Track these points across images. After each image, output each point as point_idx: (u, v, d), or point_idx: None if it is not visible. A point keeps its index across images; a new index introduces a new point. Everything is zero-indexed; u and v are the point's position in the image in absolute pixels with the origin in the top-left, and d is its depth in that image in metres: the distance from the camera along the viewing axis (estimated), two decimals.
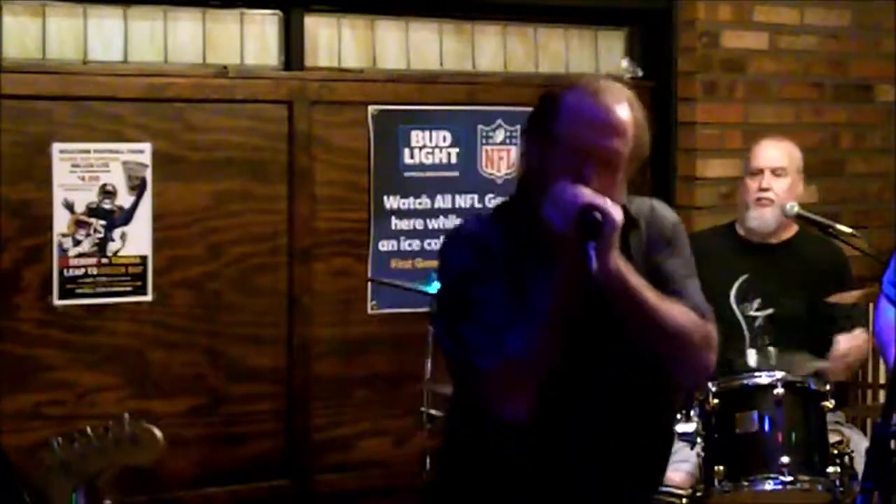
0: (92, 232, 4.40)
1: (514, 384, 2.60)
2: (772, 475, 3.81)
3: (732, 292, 4.43)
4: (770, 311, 4.40)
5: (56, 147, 4.33)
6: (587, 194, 2.56)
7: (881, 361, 5.09)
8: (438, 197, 4.94)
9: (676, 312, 2.68)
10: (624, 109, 2.66)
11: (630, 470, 2.80)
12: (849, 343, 4.41)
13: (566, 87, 2.71)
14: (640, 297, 2.62)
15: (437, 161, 4.93)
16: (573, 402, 2.70)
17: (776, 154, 4.47)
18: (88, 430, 2.63)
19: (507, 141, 5.03)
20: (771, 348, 4.11)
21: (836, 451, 3.89)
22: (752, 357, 4.09)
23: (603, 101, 2.65)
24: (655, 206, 2.86)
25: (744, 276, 4.44)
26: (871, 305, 4.74)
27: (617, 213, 2.56)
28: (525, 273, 2.64)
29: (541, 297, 2.59)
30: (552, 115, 2.67)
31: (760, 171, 4.45)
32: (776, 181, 4.43)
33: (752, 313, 4.41)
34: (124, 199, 4.45)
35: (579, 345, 2.64)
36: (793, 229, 4.56)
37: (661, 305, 2.65)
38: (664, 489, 4.12)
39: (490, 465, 2.75)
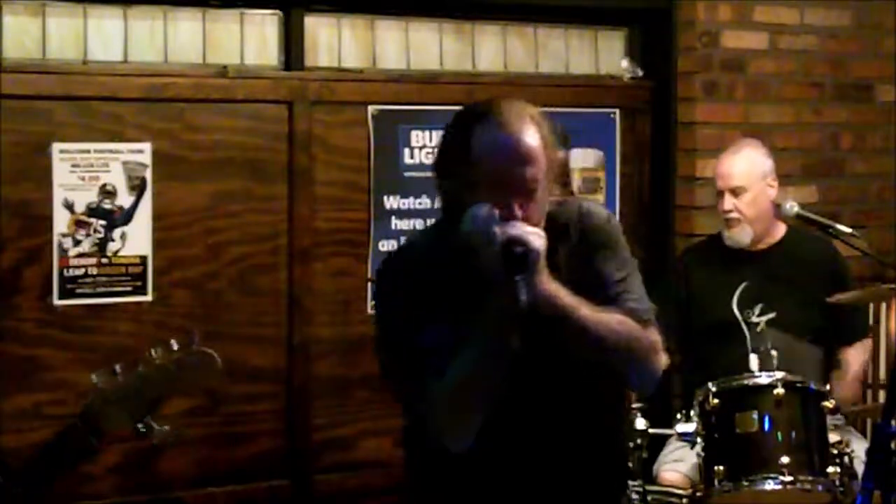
0: (92, 232, 4.40)
1: (456, 412, 2.60)
2: (772, 475, 3.82)
3: (734, 300, 4.43)
4: (771, 315, 4.41)
5: (56, 147, 4.33)
6: (505, 227, 2.56)
7: (881, 361, 5.10)
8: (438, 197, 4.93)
9: (615, 324, 2.67)
10: (532, 135, 2.65)
11: (586, 479, 2.80)
12: (859, 360, 4.45)
13: (469, 118, 2.69)
14: (574, 316, 2.62)
15: None
16: (520, 427, 2.70)
17: (731, 173, 4.46)
18: (142, 357, 2.60)
19: None
20: (773, 352, 4.11)
21: (836, 451, 3.89)
22: (754, 362, 4.10)
23: (511, 130, 2.63)
24: (584, 208, 2.84)
25: (744, 284, 4.44)
26: (871, 305, 4.76)
27: (538, 242, 2.56)
28: (462, 301, 2.63)
29: (477, 327, 2.59)
30: (461, 150, 2.66)
31: (722, 192, 4.47)
32: (737, 199, 4.44)
33: (754, 319, 4.41)
34: (124, 199, 4.45)
35: (523, 370, 2.64)
36: (781, 230, 4.56)
37: (599, 319, 2.65)
38: (664, 489, 4.14)
39: (443, 486, 2.76)
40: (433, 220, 4.77)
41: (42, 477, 2.62)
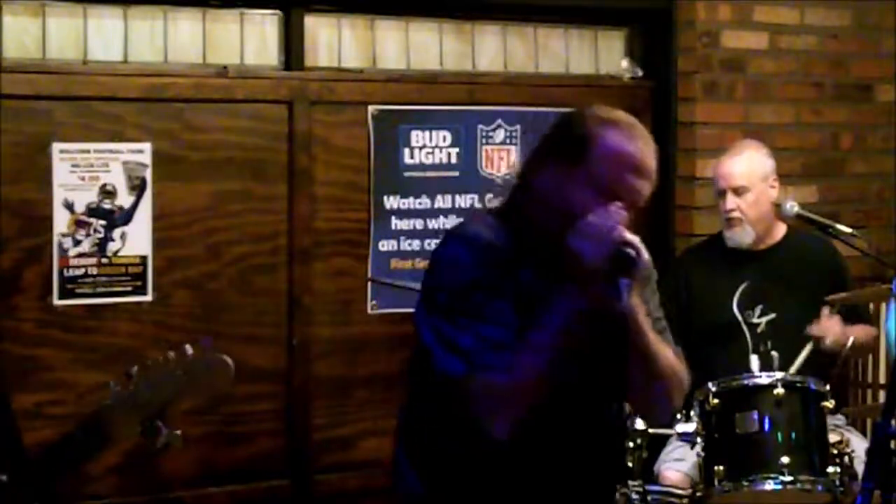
0: (92, 232, 4.40)
1: (508, 404, 2.59)
2: (772, 475, 3.82)
3: (735, 301, 4.43)
4: (772, 315, 4.41)
5: (56, 147, 4.33)
6: (623, 230, 2.56)
7: (881, 361, 5.09)
8: (438, 197, 4.94)
9: (671, 357, 2.72)
10: (653, 153, 2.67)
11: (595, 476, 2.82)
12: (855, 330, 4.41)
13: (598, 118, 2.68)
14: (645, 336, 2.65)
15: (437, 161, 4.93)
16: (552, 426, 2.69)
17: (733, 172, 4.45)
18: (155, 360, 2.59)
19: (507, 141, 5.03)
20: (774, 353, 4.11)
21: (836, 451, 3.89)
22: (754, 363, 4.10)
23: (639, 145, 2.64)
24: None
25: (744, 284, 4.44)
26: (871, 305, 4.75)
27: (646, 252, 2.57)
28: (533, 294, 2.62)
29: (549, 323, 2.57)
30: (583, 148, 2.63)
31: (724, 192, 4.46)
32: (739, 199, 4.43)
33: (755, 320, 4.41)
34: (124, 199, 4.45)
35: (569, 372, 2.64)
36: (781, 231, 4.56)
37: (661, 347, 2.69)
38: (664, 489, 4.14)
39: (464, 478, 2.74)
40: (453, 219, 4.84)
41: (46, 475, 2.64)
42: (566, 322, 2.57)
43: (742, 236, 4.46)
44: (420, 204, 4.91)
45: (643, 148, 2.65)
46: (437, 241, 4.83)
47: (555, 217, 2.62)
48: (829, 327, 4.23)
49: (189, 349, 2.58)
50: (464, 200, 4.97)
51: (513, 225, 2.72)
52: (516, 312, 2.61)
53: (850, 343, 4.24)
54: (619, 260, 2.54)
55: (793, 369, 4.10)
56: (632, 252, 2.54)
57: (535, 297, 2.61)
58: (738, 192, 4.44)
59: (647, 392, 2.72)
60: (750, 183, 4.44)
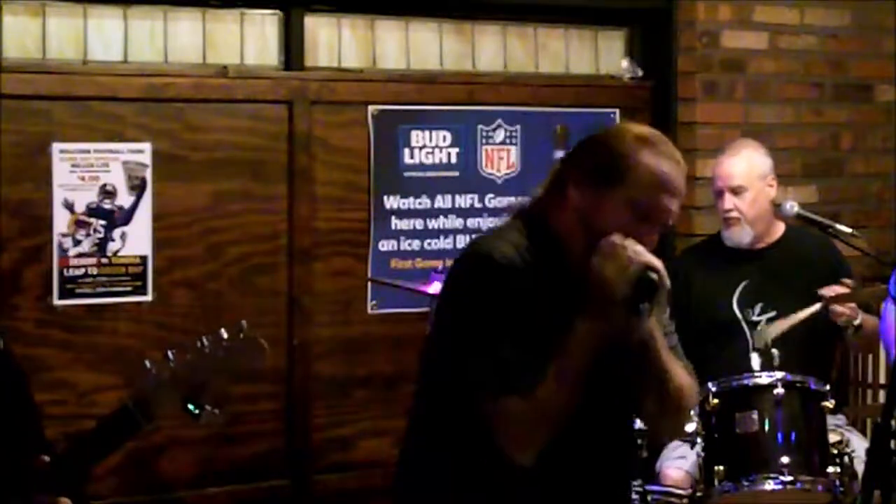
0: (92, 232, 4.40)
1: (531, 431, 2.57)
2: (772, 475, 3.82)
3: (735, 299, 4.43)
4: (772, 314, 4.41)
5: (56, 147, 4.33)
6: (646, 253, 2.54)
7: (881, 361, 5.09)
8: (438, 197, 4.94)
9: (682, 374, 2.70)
10: (684, 171, 2.65)
11: (610, 491, 2.80)
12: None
13: (633, 140, 2.64)
14: (661, 356, 2.63)
15: (437, 161, 4.94)
16: (575, 448, 2.67)
17: (731, 172, 4.45)
18: (192, 343, 2.70)
19: (507, 141, 5.03)
20: (774, 351, 4.11)
21: (836, 451, 3.89)
22: (755, 361, 4.09)
23: (675, 166, 2.62)
24: None
25: (744, 283, 4.44)
26: (871, 305, 4.74)
27: (666, 274, 2.55)
28: (557, 316, 2.58)
29: (573, 347, 2.54)
30: (620, 168, 2.60)
31: (722, 192, 4.46)
32: (737, 199, 4.43)
33: (755, 318, 4.41)
34: (124, 199, 4.45)
35: (590, 395, 2.61)
36: (780, 229, 4.56)
37: (673, 366, 2.67)
38: (665, 489, 4.14)
39: (483, 495, 2.71)
40: (453, 219, 4.85)
41: (91, 455, 2.73)
42: (589, 347, 2.54)
43: (740, 236, 4.46)
44: (420, 204, 4.91)
45: (676, 167, 2.63)
46: (438, 241, 4.92)
47: (588, 237, 2.60)
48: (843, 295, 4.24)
49: (224, 333, 2.71)
50: (464, 200, 4.97)
51: (540, 240, 2.67)
52: (540, 335, 2.57)
53: (858, 320, 4.26)
54: (641, 284, 2.51)
55: (785, 324, 4.13)
56: (654, 276, 2.51)
57: (559, 320, 2.57)
58: (736, 191, 4.44)
59: (659, 410, 2.70)
60: (748, 182, 4.44)
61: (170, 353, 2.70)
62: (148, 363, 2.71)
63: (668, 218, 2.62)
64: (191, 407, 2.72)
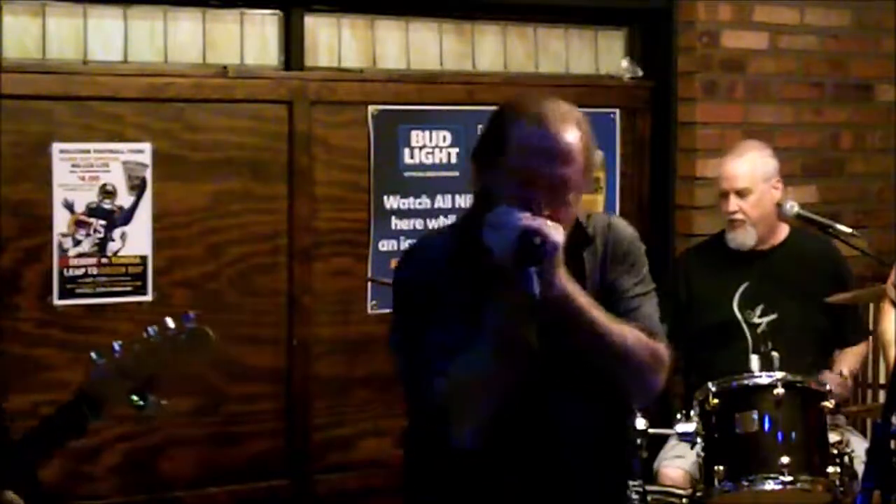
0: (92, 232, 4.40)
1: (463, 408, 2.60)
2: (772, 475, 3.82)
3: (735, 301, 4.43)
4: (773, 316, 4.41)
5: (56, 147, 4.33)
6: (525, 218, 2.54)
7: (881, 361, 5.10)
8: (438, 197, 4.94)
9: (626, 332, 2.66)
10: (572, 134, 2.64)
11: (587, 482, 2.79)
12: (849, 363, 4.45)
13: (512, 111, 2.70)
14: (587, 317, 2.61)
15: (437, 161, 4.94)
16: (525, 430, 2.69)
17: (736, 174, 4.46)
18: (138, 336, 2.67)
19: None
20: (774, 353, 4.11)
21: (836, 451, 3.89)
22: (755, 363, 4.10)
23: (550, 128, 2.63)
24: (613, 222, 2.84)
25: (745, 284, 4.45)
26: (870, 305, 4.75)
27: (557, 235, 2.55)
28: (475, 296, 2.62)
29: (488, 322, 2.58)
30: (498, 142, 2.67)
31: (726, 194, 4.46)
32: (742, 201, 4.44)
33: (756, 320, 4.42)
34: (124, 199, 4.45)
35: (534, 371, 2.63)
36: (784, 231, 4.56)
37: (611, 326, 2.64)
38: (664, 489, 4.14)
39: (444, 487, 2.75)
40: (453, 219, 4.84)
41: (35, 451, 2.70)
42: (500, 319, 2.57)
43: (744, 238, 4.46)
44: (420, 204, 4.91)
45: (556, 131, 2.63)
46: None
47: (485, 214, 2.65)
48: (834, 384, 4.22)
49: (170, 322, 2.65)
50: (464, 200, 4.97)
51: (463, 232, 2.76)
52: (462, 316, 2.62)
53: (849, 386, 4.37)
54: (523, 249, 2.51)
55: None
56: (536, 239, 2.52)
57: (477, 299, 2.61)
58: (740, 193, 4.44)
59: (614, 373, 2.70)
60: (752, 184, 4.44)
61: (116, 346, 2.68)
62: (94, 356, 2.69)
63: (554, 182, 2.62)
64: (134, 398, 2.69)
